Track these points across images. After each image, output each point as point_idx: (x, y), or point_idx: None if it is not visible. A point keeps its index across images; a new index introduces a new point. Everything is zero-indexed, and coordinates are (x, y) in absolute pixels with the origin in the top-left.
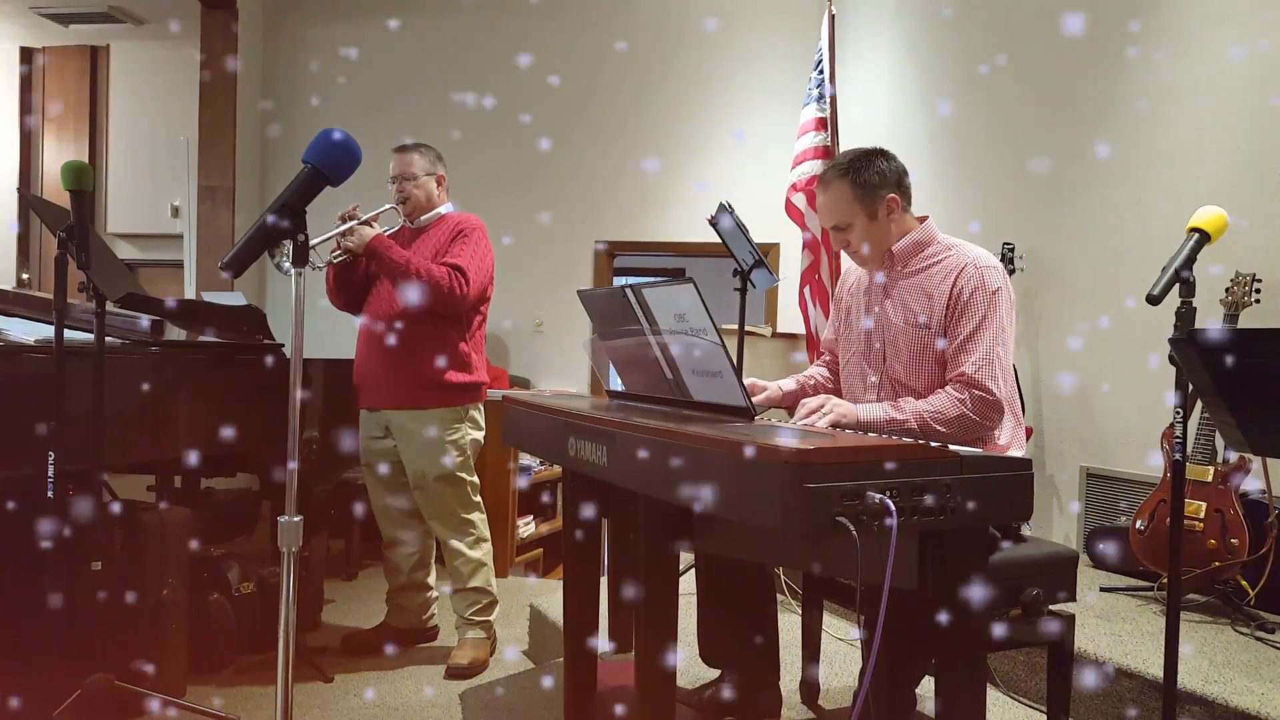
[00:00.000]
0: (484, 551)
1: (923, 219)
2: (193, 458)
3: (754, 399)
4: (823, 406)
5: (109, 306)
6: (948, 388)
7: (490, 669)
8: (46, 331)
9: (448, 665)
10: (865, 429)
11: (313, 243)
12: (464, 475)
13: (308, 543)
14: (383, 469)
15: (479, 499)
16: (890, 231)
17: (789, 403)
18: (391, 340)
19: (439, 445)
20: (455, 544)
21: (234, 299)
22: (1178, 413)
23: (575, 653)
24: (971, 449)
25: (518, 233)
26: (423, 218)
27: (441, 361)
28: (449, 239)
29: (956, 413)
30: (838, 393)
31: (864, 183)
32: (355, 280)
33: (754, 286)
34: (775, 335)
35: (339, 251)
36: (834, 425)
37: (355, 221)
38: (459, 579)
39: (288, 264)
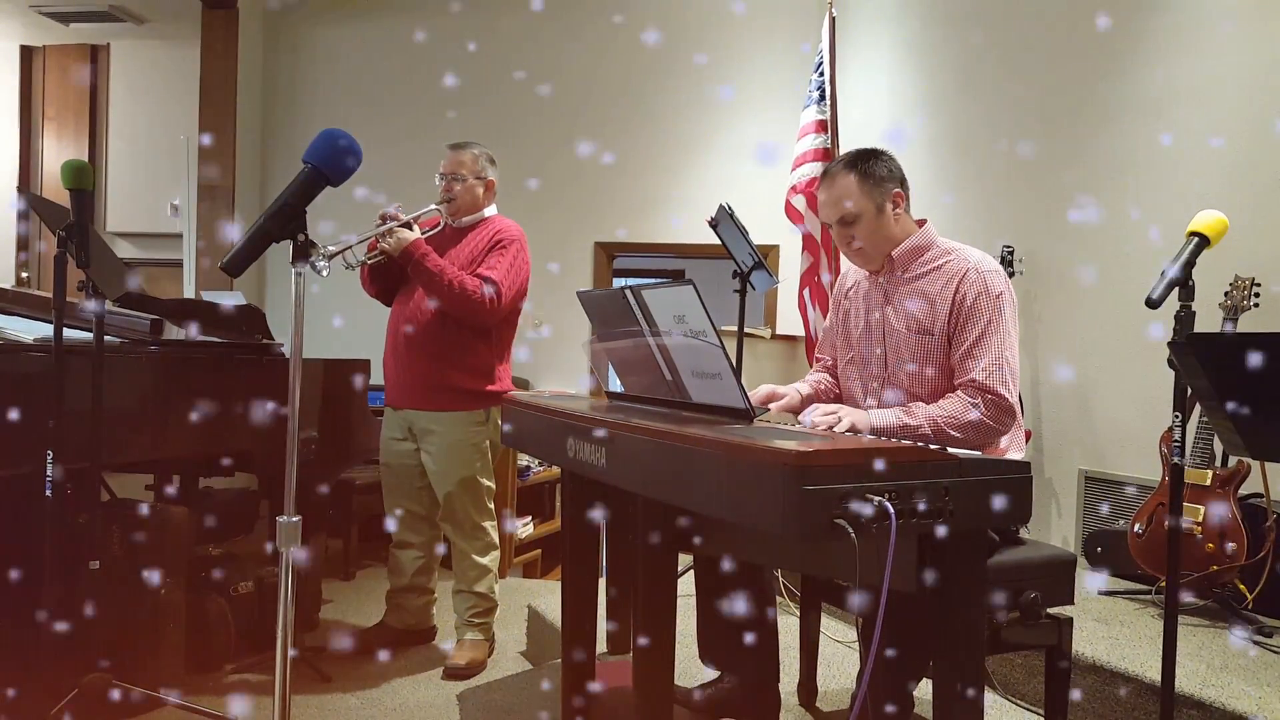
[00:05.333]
0: (491, 558)
1: (921, 222)
2: (191, 457)
3: (772, 405)
4: (835, 413)
5: (108, 305)
6: (959, 393)
7: (488, 670)
8: (46, 330)
9: (445, 666)
10: (878, 435)
11: (351, 243)
12: (483, 480)
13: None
14: (399, 470)
15: (492, 506)
16: (894, 229)
17: (806, 407)
18: (420, 341)
19: (461, 449)
20: (465, 548)
21: (234, 298)
22: (1176, 416)
23: (573, 654)
24: (970, 451)
25: None
26: (465, 219)
27: (468, 368)
28: (486, 247)
29: (971, 417)
30: (841, 396)
31: (871, 174)
32: (391, 271)
33: (753, 288)
34: (774, 337)
35: (375, 252)
36: (849, 432)
37: (395, 223)
38: (463, 581)
39: (323, 264)
